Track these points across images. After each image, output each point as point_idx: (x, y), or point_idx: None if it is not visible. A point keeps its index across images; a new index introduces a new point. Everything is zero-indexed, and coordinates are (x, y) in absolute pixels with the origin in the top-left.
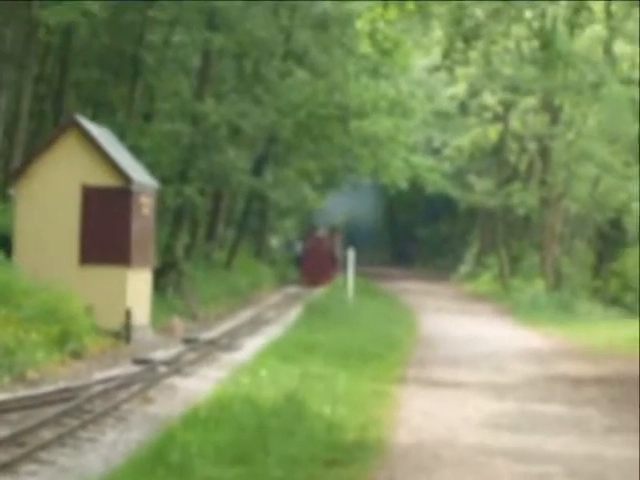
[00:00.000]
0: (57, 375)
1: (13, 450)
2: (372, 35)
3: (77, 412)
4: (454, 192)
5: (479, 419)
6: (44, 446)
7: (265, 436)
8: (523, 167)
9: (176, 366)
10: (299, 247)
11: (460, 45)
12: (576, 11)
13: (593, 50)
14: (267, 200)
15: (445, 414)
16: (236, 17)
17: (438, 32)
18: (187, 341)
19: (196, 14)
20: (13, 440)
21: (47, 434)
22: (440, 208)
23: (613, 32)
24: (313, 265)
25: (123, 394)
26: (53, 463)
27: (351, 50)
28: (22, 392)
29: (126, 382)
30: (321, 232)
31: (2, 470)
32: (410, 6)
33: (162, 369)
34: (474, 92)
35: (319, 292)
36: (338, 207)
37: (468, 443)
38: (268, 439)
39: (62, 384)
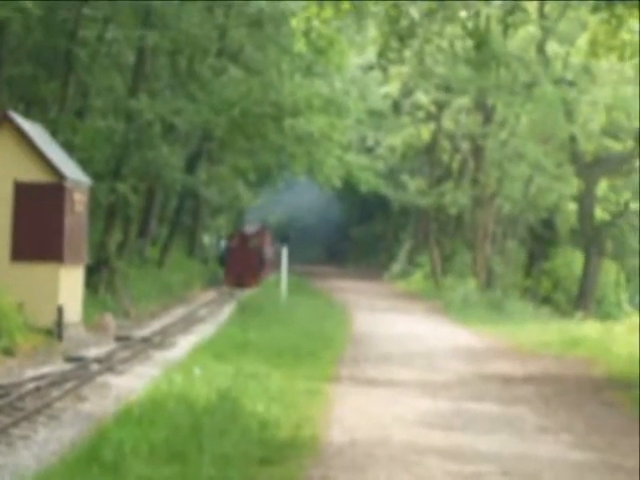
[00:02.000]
0: None
1: None
2: (307, 34)
3: (9, 409)
4: (387, 191)
5: (412, 418)
6: None
7: (199, 435)
8: (456, 166)
9: (109, 364)
10: (223, 245)
11: (395, 44)
12: (510, 11)
13: (526, 50)
14: (200, 197)
15: (378, 412)
16: (171, 15)
17: (372, 31)
18: (120, 339)
19: (131, 12)
20: None
21: None
22: (373, 207)
23: (546, 32)
24: (238, 264)
25: (55, 392)
26: None
27: (286, 48)
28: None
29: (58, 380)
30: (248, 229)
31: None
32: (346, 5)
33: (95, 367)
34: (407, 91)
35: (252, 290)
36: (272, 205)
37: (401, 441)
38: (202, 438)
39: None
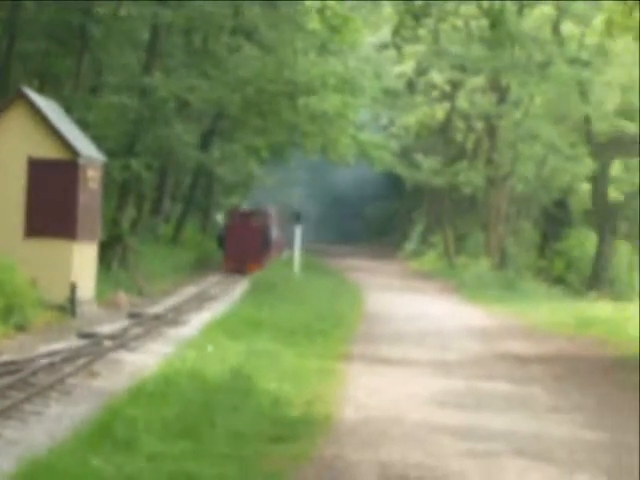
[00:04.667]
0: (1, 348)
1: None
2: (321, 11)
3: (22, 385)
4: (401, 170)
5: (425, 396)
6: None
7: (212, 412)
8: (470, 146)
9: (121, 340)
10: (222, 224)
11: (410, 22)
12: None
13: (541, 30)
14: (213, 175)
15: (391, 391)
16: None
17: (387, 9)
18: (132, 315)
19: None
20: None
21: None
22: (387, 186)
23: (561, 12)
24: (237, 246)
25: (68, 368)
26: None
27: (300, 26)
28: None
29: (71, 356)
30: (250, 207)
31: None
32: None
33: (107, 343)
34: (422, 70)
35: (268, 267)
36: (286, 185)
37: (414, 420)
38: (215, 415)
39: (6, 357)
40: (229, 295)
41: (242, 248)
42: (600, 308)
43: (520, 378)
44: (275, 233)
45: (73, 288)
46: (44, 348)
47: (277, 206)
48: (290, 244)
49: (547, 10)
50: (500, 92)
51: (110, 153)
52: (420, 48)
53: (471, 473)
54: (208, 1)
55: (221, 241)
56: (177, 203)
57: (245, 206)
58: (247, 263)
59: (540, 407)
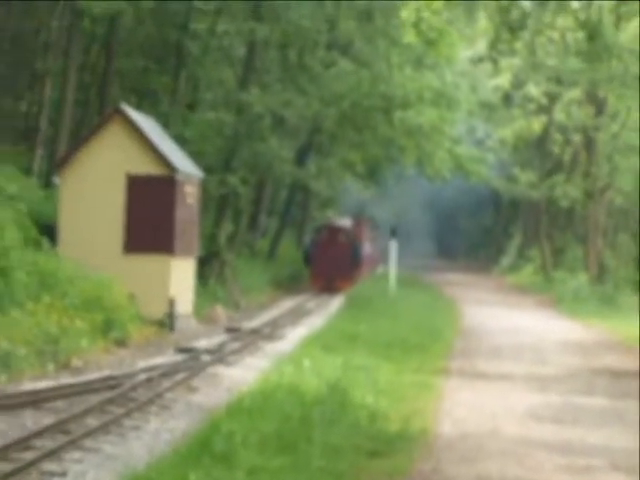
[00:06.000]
0: (101, 363)
1: (59, 437)
2: (417, 25)
3: (121, 400)
4: (498, 184)
5: (522, 411)
6: (89, 434)
7: (309, 426)
8: (567, 159)
9: (219, 355)
10: (308, 240)
11: (506, 35)
12: (622, 2)
13: (638, 42)
14: (309, 190)
15: (488, 405)
16: (281, 7)
17: (483, 23)
18: (230, 330)
19: (241, 4)
20: (58, 427)
21: (92, 422)
22: (483, 200)
23: None
24: (325, 264)
25: (167, 383)
26: (98, 451)
27: (395, 40)
28: (67, 380)
29: (170, 371)
30: (339, 221)
31: (48, 457)
32: None
33: (205, 358)
34: (518, 83)
35: (361, 283)
36: (381, 199)
37: (511, 435)
38: (312, 429)
39: (106, 372)
40: (325, 310)
41: (330, 265)
42: None
43: (617, 393)
44: (367, 248)
45: (171, 303)
46: (143, 363)
47: (371, 220)
48: (385, 259)
49: None
50: (597, 104)
51: (207, 169)
52: (516, 61)
53: None
54: (304, 16)
55: (307, 258)
56: (273, 218)
57: (336, 220)
58: (335, 281)
59: (637, 422)
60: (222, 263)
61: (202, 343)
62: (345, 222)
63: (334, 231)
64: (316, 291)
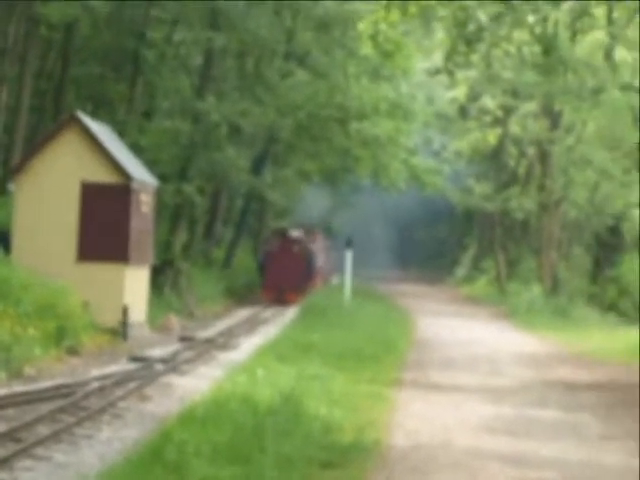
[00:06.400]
0: (54, 371)
1: (10, 445)
2: (374, 37)
3: (73, 409)
4: (452, 195)
5: (475, 423)
6: (40, 442)
7: (262, 436)
8: (522, 171)
9: (173, 364)
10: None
11: (462, 48)
12: (578, 17)
13: (594, 56)
14: (265, 200)
15: (441, 417)
16: (238, 17)
17: (439, 35)
18: (184, 339)
19: (198, 13)
20: (9, 435)
21: (43, 430)
22: (439, 211)
23: (614, 38)
24: (277, 274)
25: (119, 391)
26: (49, 459)
27: (352, 52)
28: (19, 388)
29: (123, 379)
30: (293, 232)
31: None
32: (412, 9)
33: (159, 367)
34: (474, 96)
35: (315, 293)
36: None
37: (464, 446)
38: (265, 439)
39: (59, 380)
40: (280, 319)
41: (281, 276)
42: None
43: (571, 405)
44: (321, 259)
45: (125, 311)
46: (96, 371)
47: (324, 230)
48: (341, 269)
49: (600, 36)
50: (552, 118)
51: (163, 177)
52: (472, 73)
53: None
54: (261, 26)
55: (261, 268)
56: (229, 227)
57: (289, 230)
58: (286, 293)
59: (591, 435)
60: (177, 272)
61: (156, 352)
62: (298, 232)
63: (287, 241)
64: (267, 303)
